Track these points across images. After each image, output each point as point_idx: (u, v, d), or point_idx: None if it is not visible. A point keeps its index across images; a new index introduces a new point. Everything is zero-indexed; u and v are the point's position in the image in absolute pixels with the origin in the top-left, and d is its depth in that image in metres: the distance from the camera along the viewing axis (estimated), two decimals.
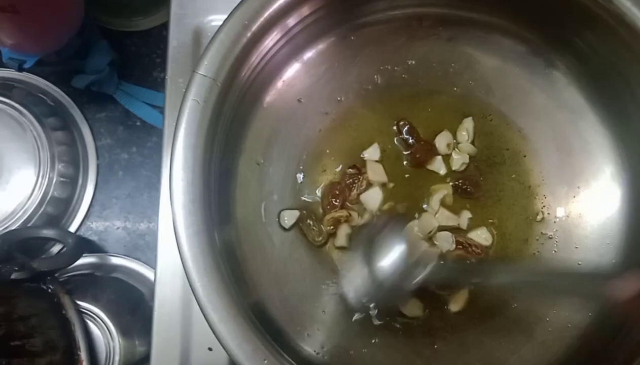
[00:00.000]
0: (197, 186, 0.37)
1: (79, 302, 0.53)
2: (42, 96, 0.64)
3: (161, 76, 0.66)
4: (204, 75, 0.38)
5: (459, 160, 0.48)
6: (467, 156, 0.48)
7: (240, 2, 0.38)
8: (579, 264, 0.46)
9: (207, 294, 0.35)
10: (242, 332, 0.35)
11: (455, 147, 0.49)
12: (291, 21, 0.41)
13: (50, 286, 0.53)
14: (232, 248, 0.42)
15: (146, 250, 0.64)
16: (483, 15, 0.46)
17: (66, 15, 0.55)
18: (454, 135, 0.49)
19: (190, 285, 0.35)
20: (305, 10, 0.41)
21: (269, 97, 0.46)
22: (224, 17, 0.39)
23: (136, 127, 0.66)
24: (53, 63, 0.60)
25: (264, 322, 0.39)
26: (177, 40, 0.50)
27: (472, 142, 0.49)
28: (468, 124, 0.48)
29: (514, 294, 0.46)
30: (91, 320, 0.54)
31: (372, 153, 0.48)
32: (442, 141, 0.48)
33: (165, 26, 0.51)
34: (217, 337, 0.35)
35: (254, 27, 0.38)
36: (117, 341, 0.54)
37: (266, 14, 0.39)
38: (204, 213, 0.37)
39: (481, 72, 0.48)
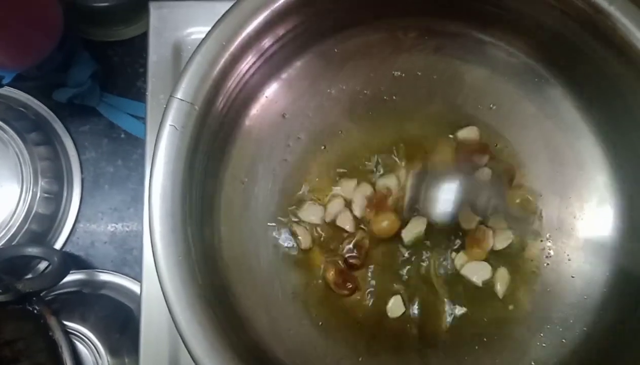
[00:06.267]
0: (177, 215, 0.36)
1: (66, 322, 0.53)
2: (23, 110, 0.63)
3: (144, 87, 0.64)
4: (182, 100, 0.36)
5: None
6: None
7: (217, 22, 0.37)
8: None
9: (189, 328, 0.34)
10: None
11: None
12: (267, 41, 0.39)
13: (36, 307, 0.52)
14: (216, 273, 0.41)
15: (134, 265, 0.62)
16: (469, 29, 0.45)
17: (45, 30, 0.53)
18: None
19: (173, 319, 0.34)
20: (288, 25, 0.40)
21: (252, 114, 0.45)
22: (203, 29, 0.38)
23: (121, 139, 0.65)
24: (34, 77, 0.58)
25: (250, 347, 0.39)
26: (157, 55, 0.49)
27: None
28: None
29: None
30: (79, 341, 0.53)
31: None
32: None
33: (147, 35, 0.50)
34: None
35: (232, 48, 0.37)
36: (105, 361, 0.53)
37: (244, 33, 0.38)
38: (185, 241, 0.36)
39: (469, 82, 0.47)
